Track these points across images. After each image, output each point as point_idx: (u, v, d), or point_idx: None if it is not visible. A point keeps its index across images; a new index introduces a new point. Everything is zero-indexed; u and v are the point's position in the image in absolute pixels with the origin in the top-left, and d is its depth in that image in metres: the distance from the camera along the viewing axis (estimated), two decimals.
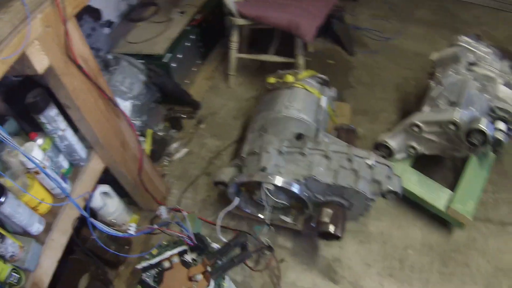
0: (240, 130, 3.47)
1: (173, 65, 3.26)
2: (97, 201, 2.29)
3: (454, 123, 2.46)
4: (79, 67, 1.69)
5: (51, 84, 1.67)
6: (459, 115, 2.46)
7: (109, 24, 3.15)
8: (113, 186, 2.47)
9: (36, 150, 1.74)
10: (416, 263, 2.71)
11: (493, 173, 3.16)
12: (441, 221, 2.86)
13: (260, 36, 4.17)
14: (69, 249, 2.13)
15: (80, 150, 2.03)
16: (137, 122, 2.86)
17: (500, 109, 2.74)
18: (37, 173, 1.75)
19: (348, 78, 4.05)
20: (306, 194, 2.27)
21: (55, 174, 1.85)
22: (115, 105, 2.01)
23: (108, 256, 2.37)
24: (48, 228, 1.83)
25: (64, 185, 1.89)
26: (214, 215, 2.84)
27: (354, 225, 2.85)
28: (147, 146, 2.92)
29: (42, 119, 1.78)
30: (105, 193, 2.38)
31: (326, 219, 2.25)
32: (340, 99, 3.62)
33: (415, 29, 4.73)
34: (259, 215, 2.62)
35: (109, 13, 3.34)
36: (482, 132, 2.37)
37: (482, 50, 2.97)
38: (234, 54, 3.54)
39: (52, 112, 1.79)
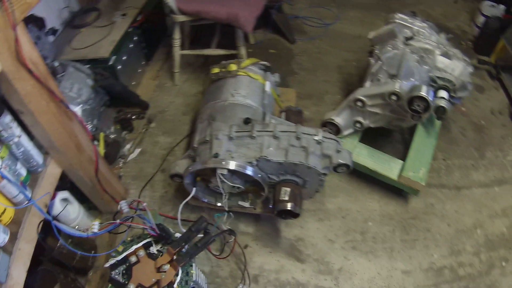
0: (190, 124, 3.49)
1: (119, 67, 3.27)
2: (58, 208, 2.28)
3: (395, 94, 2.54)
4: (30, 71, 1.69)
5: (3, 89, 1.67)
6: (399, 85, 2.54)
7: (53, 32, 3.14)
8: (71, 193, 2.46)
9: None
10: (378, 234, 2.79)
11: (442, 141, 3.28)
12: (396, 191, 2.96)
13: (201, 33, 4.24)
14: (36, 260, 2.12)
15: (36, 156, 2.02)
16: (89, 127, 2.85)
17: (441, 78, 2.84)
18: None
19: (291, 65, 4.13)
20: (260, 176, 2.30)
21: (16, 181, 1.86)
22: (67, 107, 2.01)
23: (76, 263, 2.35)
24: (13, 238, 1.81)
25: (26, 191, 1.90)
26: (174, 210, 2.88)
27: (311, 204, 2.92)
28: (100, 149, 2.90)
29: None
30: (65, 200, 2.38)
31: (284, 197, 2.31)
32: (285, 85, 3.69)
33: (353, 13, 4.86)
34: (218, 203, 2.65)
35: (52, 21, 3.32)
36: (423, 99, 2.45)
37: (418, 25, 3.06)
38: (178, 51, 3.56)
39: (7, 118, 1.78)
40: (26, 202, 1.89)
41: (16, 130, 1.86)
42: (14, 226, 1.85)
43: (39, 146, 2.07)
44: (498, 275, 2.62)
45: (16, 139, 1.86)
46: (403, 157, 2.91)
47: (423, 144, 2.96)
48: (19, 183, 1.89)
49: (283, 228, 2.81)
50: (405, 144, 3.26)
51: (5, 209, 1.81)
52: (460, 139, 3.42)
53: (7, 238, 1.78)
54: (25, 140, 1.92)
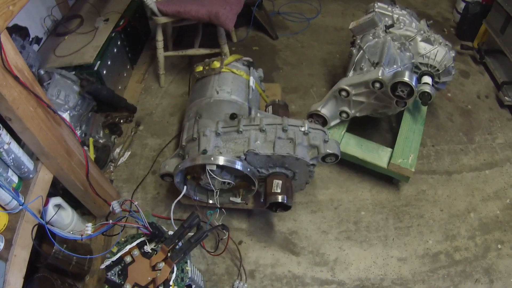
0: (178, 125, 3.50)
1: (104, 72, 3.27)
2: (51, 214, 2.29)
3: (378, 81, 2.55)
4: (16, 78, 1.70)
5: None
6: (381, 72, 2.55)
7: (37, 40, 3.12)
8: (64, 199, 2.46)
9: None
10: (371, 223, 2.81)
11: (430, 128, 3.31)
12: (387, 179, 2.99)
13: (184, 34, 4.27)
14: (33, 268, 2.13)
15: (27, 162, 2.02)
16: (77, 133, 2.84)
17: (423, 64, 2.88)
18: None
19: (275, 61, 4.15)
20: (249, 170, 2.31)
21: (8, 187, 1.86)
22: (55, 112, 2.02)
23: (72, 268, 2.36)
24: (8, 244, 1.81)
25: (18, 197, 1.91)
26: (167, 211, 2.90)
27: (303, 196, 2.94)
28: (90, 154, 2.90)
29: None
30: (57, 206, 2.39)
31: (274, 190, 2.32)
32: (270, 81, 3.74)
33: (333, 6, 4.89)
34: (209, 200, 2.66)
35: (36, 30, 3.33)
36: (406, 84, 2.46)
37: (398, 13, 3.09)
38: (161, 53, 3.57)
39: None
40: (19, 211, 1.90)
41: (5, 137, 1.85)
42: (9, 233, 1.85)
43: (29, 153, 2.07)
44: (494, 258, 2.65)
45: (5, 146, 1.86)
46: (391, 145, 2.92)
47: (410, 131, 2.98)
48: (11, 189, 1.89)
49: (276, 222, 2.82)
50: (393, 132, 3.30)
51: None
52: (448, 124, 3.44)
53: (2, 245, 1.78)
54: (14, 147, 1.92)
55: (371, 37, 2.91)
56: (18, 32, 2.82)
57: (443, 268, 2.60)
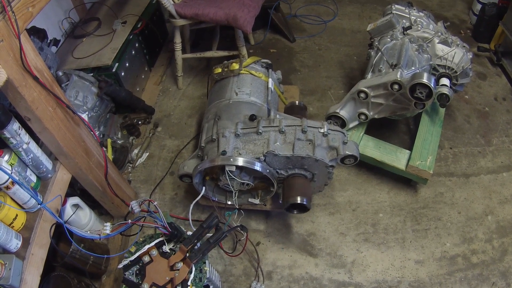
0: (196, 126, 3.51)
1: (122, 74, 3.29)
2: (69, 214, 2.30)
3: (397, 83, 2.54)
4: (35, 78, 1.71)
5: (10, 97, 1.68)
6: (400, 74, 2.54)
7: (55, 42, 3.13)
8: (82, 199, 2.48)
9: (4, 166, 1.75)
10: (389, 225, 2.80)
11: (448, 130, 3.29)
12: (405, 181, 2.97)
13: (201, 36, 4.30)
14: (50, 267, 2.14)
15: (45, 161, 2.03)
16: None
17: (441, 66, 2.86)
18: (7, 188, 1.75)
19: (292, 63, 4.15)
20: (268, 171, 2.31)
21: (27, 186, 1.87)
22: (74, 112, 2.03)
23: (89, 268, 2.37)
24: (26, 243, 1.83)
25: (37, 196, 1.92)
26: (185, 212, 2.91)
27: (321, 198, 2.93)
28: (108, 155, 2.90)
29: (6, 134, 1.78)
30: (75, 205, 2.40)
31: (293, 192, 2.31)
32: (288, 83, 3.74)
33: (350, 8, 4.88)
34: (228, 201, 2.66)
35: (54, 32, 3.37)
36: (425, 85, 2.45)
37: (415, 15, 3.08)
38: (179, 55, 3.57)
39: (15, 125, 1.79)
40: (38, 210, 1.91)
41: (25, 137, 1.87)
42: (26, 232, 1.87)
43: (48, 153, 2.08)
44: (511, 261, 2.62)
45: (24, 146, 1.87)
46: (409, 147, 2.91)
47: (428, 133, 2.96)
48: (29, 188, 1.90)
49: (294, 223, 2.82)
50: (411, 134, 3.29)
51: (16, 215, 1.84)
52: (465, 127, 3.42)
53: (19, 243, 1.81)
54: (33, 146, 1.94)
55: (389, 39, 2.90)
56: (36, 34, 2.84)
57: (460, 271, 2.58)
